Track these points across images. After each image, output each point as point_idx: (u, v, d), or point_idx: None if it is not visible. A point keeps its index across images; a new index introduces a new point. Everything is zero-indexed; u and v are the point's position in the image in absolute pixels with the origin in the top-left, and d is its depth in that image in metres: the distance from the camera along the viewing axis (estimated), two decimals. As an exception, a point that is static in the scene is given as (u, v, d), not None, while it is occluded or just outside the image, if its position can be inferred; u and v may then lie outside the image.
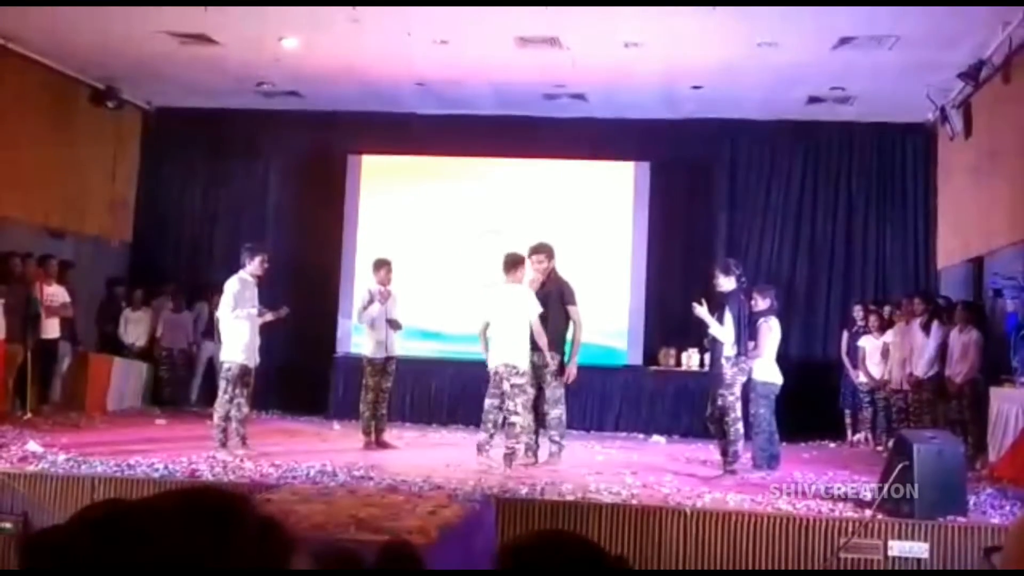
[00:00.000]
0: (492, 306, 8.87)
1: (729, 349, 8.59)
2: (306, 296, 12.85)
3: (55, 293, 11.23)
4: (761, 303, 9.24)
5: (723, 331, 8.61)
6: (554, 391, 8.94)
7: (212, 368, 12.40)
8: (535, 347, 8.71)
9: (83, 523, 1.07)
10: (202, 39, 10.99)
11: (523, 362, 8.64)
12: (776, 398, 9.26)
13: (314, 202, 14.00)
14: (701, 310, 8.73)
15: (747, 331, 8.73)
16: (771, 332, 9.27)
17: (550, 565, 1.85)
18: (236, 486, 6.87)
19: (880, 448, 11.08)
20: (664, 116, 13.17)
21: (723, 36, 10.17)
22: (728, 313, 8.62)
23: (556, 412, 8.97)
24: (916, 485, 6.75)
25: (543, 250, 9.12)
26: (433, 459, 9.06)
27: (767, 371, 9.16)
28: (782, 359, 10.10)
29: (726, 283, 8.78)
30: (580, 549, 1.92)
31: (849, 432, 12.32)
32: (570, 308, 8.98)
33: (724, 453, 8.70)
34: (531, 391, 8.76)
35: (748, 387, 8.96)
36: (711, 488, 7.84)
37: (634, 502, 7.15)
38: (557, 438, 9.03)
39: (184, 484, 6.56)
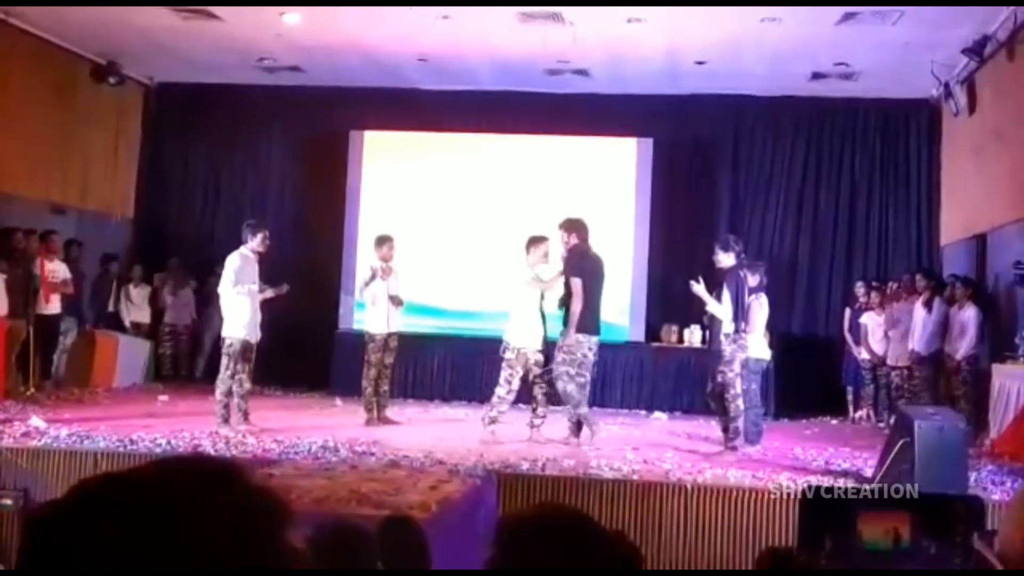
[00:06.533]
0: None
1: (727, 326, 8.57)
2: (308, 272, 12.85)
3: (56, 269, 11.23)
4: (751, 280, 9.16)
5: (720, 308, 8.59)
6: (556, 367, 8.90)
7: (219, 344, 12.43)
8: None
9: (81, 497, 1.07)
10: (203, 14, 10.94)
11: (509, 338, 9.10)
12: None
13: (316, 178, 13.99)
14: (698, 288, 8.72)
15: (744, 308, 8.68)
16: (761, 309, 9.26)
17: (546, 538, 1.85)
18: (238, 461, 6.89)
19: (882, 425, 11.10)
20: (667, 92, 13.12)
21: (726, 11, 10.11)
22: (726, 290, 8.60)
23: (560, 386, 8.96)
24: (917, 461, 6.76)
25: (560, 226, 9.21)
26: (435, 435, 9.09)
27: (758, 347, 9.16)
28: (785, 336, 10.13)
29: (725, 259, 8.74)
30: (575, 522, 1.92)
31: (851, 409, 12.33)
32: (571, 280, 8.96)
33: (725, 429, 8.70)
34: (517, 367, 9.03)
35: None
36: (712, 464, 7.87)
37: (635, 478, 7.18)
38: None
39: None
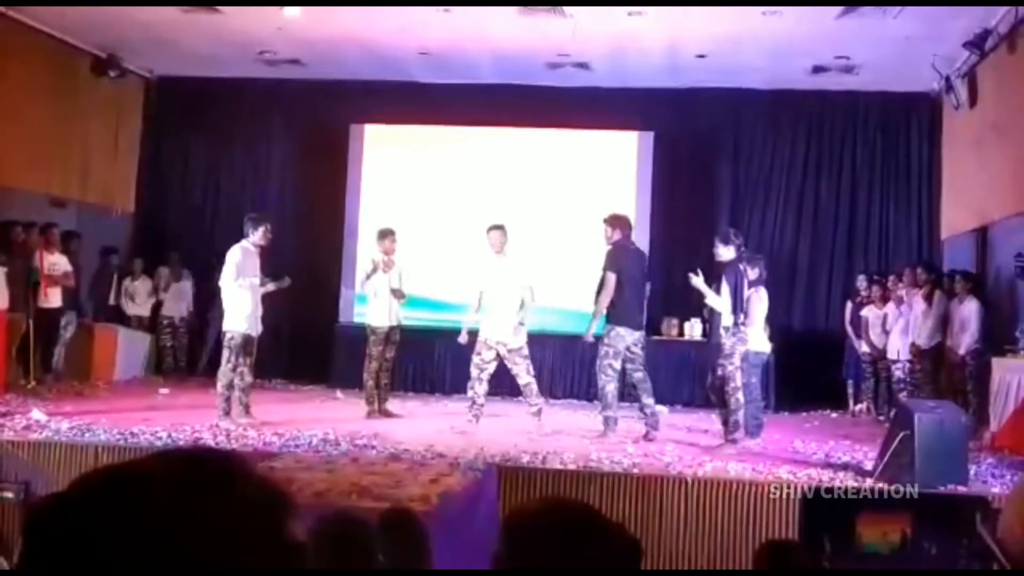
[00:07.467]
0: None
1: (727, 319, 8.58)
2: (309, 265, 12.87)
3: (57, 262, 11.23)
4: (751, 273, 9.16)
5: (720, 302, 8.60)
6: (599, 361, 9.02)
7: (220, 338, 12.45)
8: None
9: (82, 490, 1.07)
10: (204, 7, 10.93)
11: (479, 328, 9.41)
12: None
13: (317, 171, 13.97)
14: (697, 280, 8.74)
15: (743, 301, 8.69)
16: (760, 302, 9.27)
17: (555, 532, 1.85)
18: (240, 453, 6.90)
19: (882, 418, 11.10)
20: (668, 85, 13.10)
21: (727, 5, 10.10)
22: (725, 283, 8.61)
23: (600, 382, 9.05)
24: (917, 454, 6.77)
25: (605, 220, 9.29)
26: (436, 428, 9.10)
27: (757, 340, 9.17)
28: (785, 330, 10.08)
29: (725, 252, 8.75)
30: (581, 517, 1.92)
31: (851, 402, 12.33)
32: (606, 274, 9.00)
33: (725, 422, 8.71)
34: (475, 353, 9.28)
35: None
36: (712, 457, 7.87)
37: (635, 471, 7.19)
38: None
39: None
